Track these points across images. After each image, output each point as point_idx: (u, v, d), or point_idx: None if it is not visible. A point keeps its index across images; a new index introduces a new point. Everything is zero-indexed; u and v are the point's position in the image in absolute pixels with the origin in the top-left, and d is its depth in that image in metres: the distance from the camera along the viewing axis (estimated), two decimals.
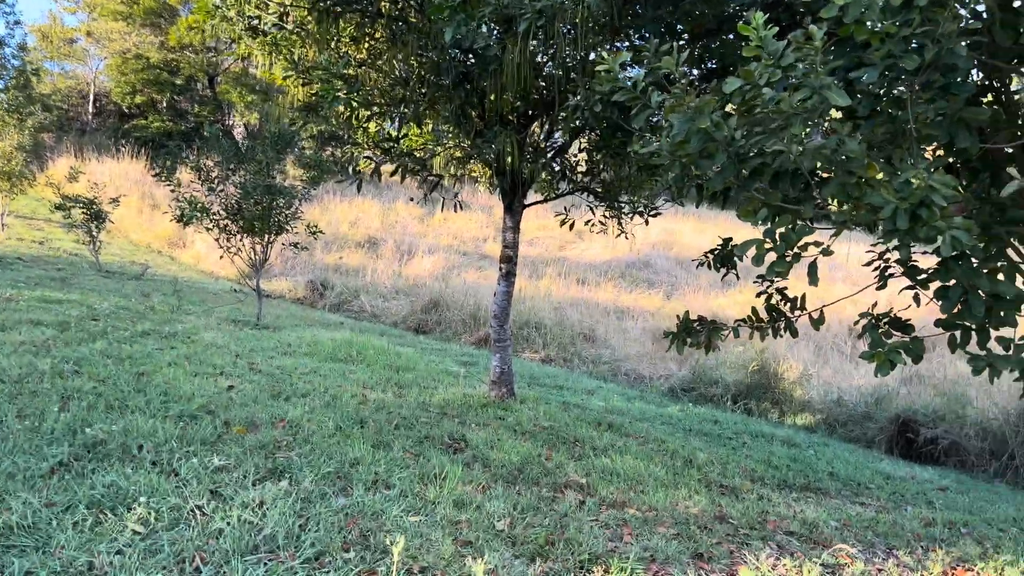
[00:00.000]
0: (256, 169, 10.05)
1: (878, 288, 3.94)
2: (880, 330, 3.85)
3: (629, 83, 3.19)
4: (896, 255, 3.92)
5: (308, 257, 19.47)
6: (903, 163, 3.01)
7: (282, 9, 6.15)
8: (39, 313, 8.34)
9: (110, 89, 34.23)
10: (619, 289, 22.86)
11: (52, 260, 14.40)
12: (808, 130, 2.72)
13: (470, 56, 5.41)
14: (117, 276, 13.65)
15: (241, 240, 10.51)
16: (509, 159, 5.45)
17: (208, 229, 10.27)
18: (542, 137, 6.67)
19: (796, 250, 3.07)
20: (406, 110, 6.12)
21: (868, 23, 2.76)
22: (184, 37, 31.11)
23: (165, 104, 34.78)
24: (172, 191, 10.21)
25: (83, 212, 13.65)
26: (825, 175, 3.20)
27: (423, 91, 5.84)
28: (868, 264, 3.90)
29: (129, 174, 25.90)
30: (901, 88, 3.00)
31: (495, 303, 7.30)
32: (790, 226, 3.08)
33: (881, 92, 3.06)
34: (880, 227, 3.03)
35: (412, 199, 7.83)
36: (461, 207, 7.10)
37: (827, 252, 3.09)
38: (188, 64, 32.85)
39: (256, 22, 6.39)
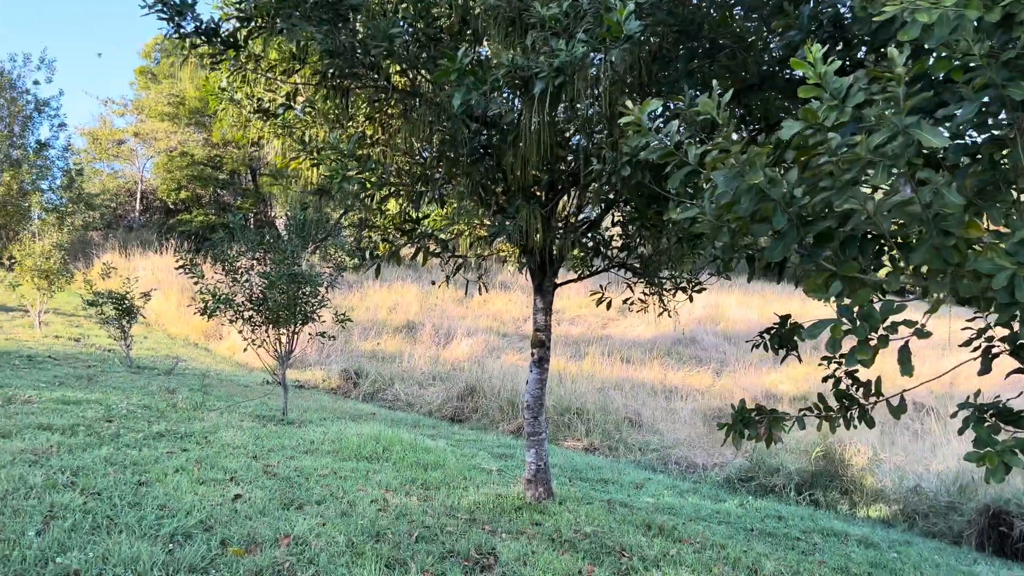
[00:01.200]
0: (280, 258, 9.72)
1: (980, 373, 3.24)
2: (986, 423, 3.14)
3: (661, 137, 2.64)
4: (1001, 331, 3.24)
5: (344, 344, 19.11)
6: (1010, 219, 2.39)
7: (291, 88, 5.84)
8: (51, 416, 7.95)
9: (156, 186, 35.20)
10: (665, 367, 22.04)
11: (84, 357, 14.22)
12: (892, 181, 2.12)
13: (486, 126, 4.97)
14: (147, 371, 13.36)
15: (266, 331, 10.12)
16: (537, 236, 4.92)
17: (232, 321, 9.90)
18: (571, 211, 6.16)
19: (883, 331, 2.44)
20: (424, 188, 5.66)
21: (957, 46, 2.19)
22: (228, 134, 31.98)
23: (209, 199, 35.57)
24: (196, 283, 9.91)
25: (115, 308, 13.49)
26: (904, 238, 2.59)
27: (440, 167, 5.41)
28: (968, 344, 3.20)
29: (171, 268, 26.15)
30: (1002, 127, 2.41)
31: (527, 392, 6.67)
32: (870, 301, 2.46)
33: (975, 132, 2.47)
34: (984, 299, 2.40)
35: (434, 282, 7.30)
36: (486, 289, 6.59)
37: (923, 334, 2.45)
38: (231, 159, 33.73)
39: (265, 104, 6.08)
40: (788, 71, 3.90)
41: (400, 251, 6.32)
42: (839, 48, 3.14)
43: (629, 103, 2.71)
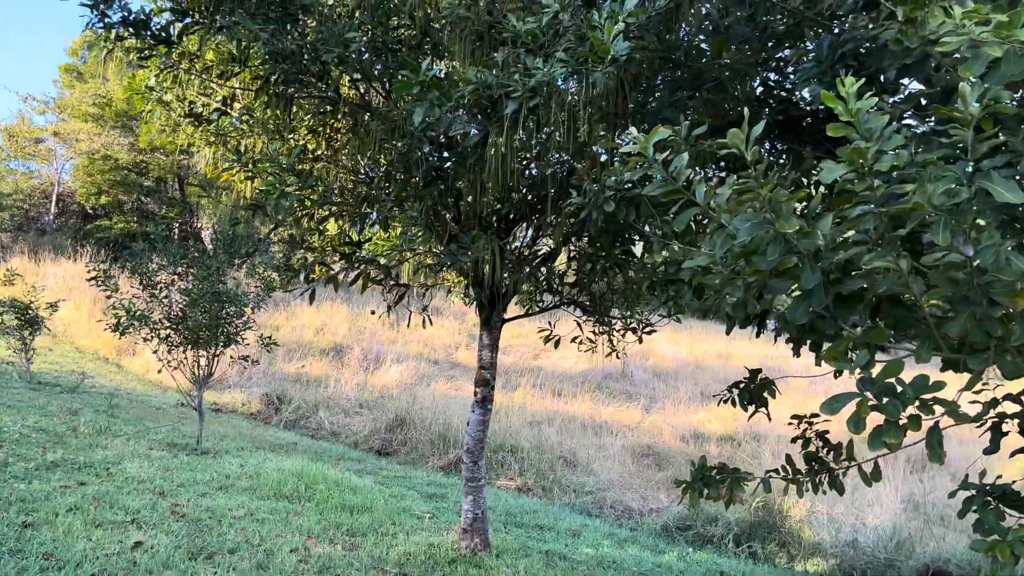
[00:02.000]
0: (204, 274, 9.05)
1: (987, 452, 2.97)
2: (990, 507, 2.86)
3: (667, 173, 2.27)
4: (1013, 406, 2.98)
5: (267, 366, 18.21)
6: None
7: (228, 93, 5.31)
8: None
9: (75, 189, 33.46)
10: (596, 402, 21.88)
11: None
12: (952, 240, 1.80)
13: (442, 148, 4.56)
14: (48, 388, 12.34)
15: (184, 352, 9.39)
16: (487, 268, 4.51)
17: (146, 339, 9.15)
18: (525, 243, 5.78)
19: (914, 410, 2.11)
20: (369, 211, 5.20)
21: None
22: (156, 139, 30.72)
23: (131, 205, 34.00)
24: (108, 296, 9.14)
25: (16, 317, 12.45)
26: (940, 304, 2.28)
27: (389, 189, 4.96)
28: (978, 422, 2.91)
29: (84, 276, 24.72)
30: None
31: (468, 434, 6.21)
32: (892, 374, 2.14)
33: None
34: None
35: (374, 311, 6.82)
36: (430, 322, 6.13)
37: (957, 414, 2.13)
38: (157, 165, 32.33)
39: (197, 108, 5.53)
40: (783, 108, 3.62)
41: (338, 275, 5.82)
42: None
43: (633, 129, 2.35)
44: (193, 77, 5.11)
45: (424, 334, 28.22)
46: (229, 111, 5.24)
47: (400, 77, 3.60)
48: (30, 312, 12.50)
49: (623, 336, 7.27)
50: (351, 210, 5.28)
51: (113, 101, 32.02)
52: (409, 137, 4.07)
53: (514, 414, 17.34)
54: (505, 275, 5.00)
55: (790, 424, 4.52)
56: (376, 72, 4.44)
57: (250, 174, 4.99)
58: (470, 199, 4.53)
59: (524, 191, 4.77)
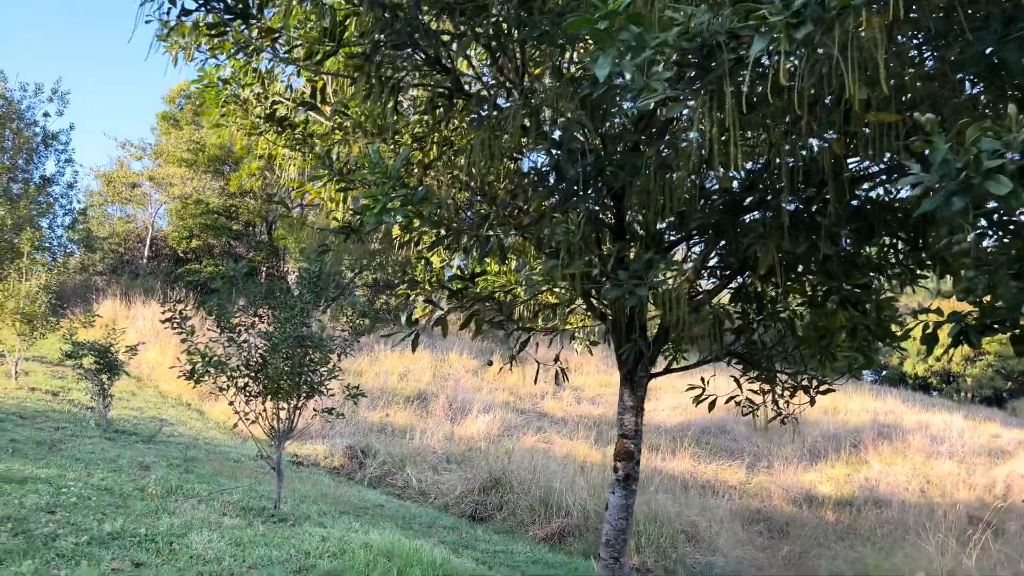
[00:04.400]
0: (287, 316, 8.03)
1: None
2: None
3: None
4: None
5: (351, 415, 17.28)
6: None
7: (317, 80, 4.22)
8: None
9: (167, 233, 33.92)
10: (696, 458, 20.26)
11: (56, 416, 12.44)
12: None
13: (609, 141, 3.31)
14: (124, 438, 11.56)
15: (263, 403, 8.36)
16: (670, 306, 3.20)
17: (222, 389, 8.16)
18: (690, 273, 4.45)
19: None
20: (493, 233, 3.99)
21: None
22: (246, 183, 30.87)
23: (220, 249, 34.22)
24: (183, 340, 8.21)
25: (95, 361, 11.77)
26: None
27: (520, 203, 3.74)
28: None
29: (159, 318, 24.66)
30: None
31: (608, 523, 4.85)
32: None
33: None
34: None
35: (491, 362, 5.62)
36: (565, 377, 4.86)
37: None
38: (246, 209, 32.51)
39: (281, 109, 4.46)
40: None
41: (447, 316, 4.61)
42: None
43: None
44: (272, 62, 4.04)
45: (509, 382, 27.09)
46: (319, 105, 4.15)
47: (565, 23, 2.37)
48: (109, 355, 11.80)
49: (791, 396, 5.83)
50: (471, 233, 4.06)
51: (206, 147, 32.45)
52: (568, 123, 2.84)
53: (602, 470, 16.00)
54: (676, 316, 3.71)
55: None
56: (515, 30, 3.25)
57: (344, 186, 3.85)
58: (644, 210, 3.25)
59: (727, 193, 3.48)
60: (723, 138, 2.64)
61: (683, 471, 18.76)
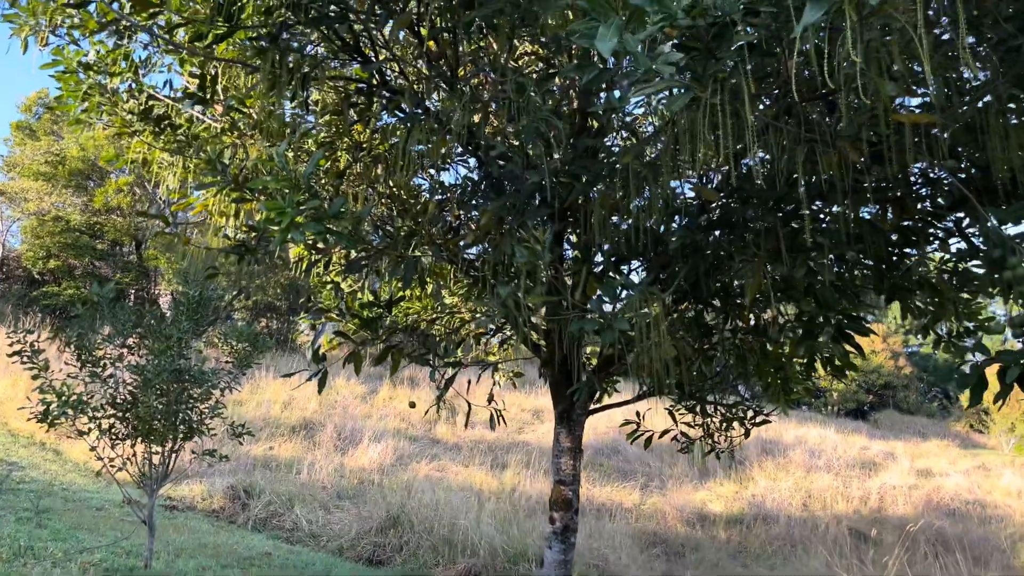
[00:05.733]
0: (163, 347, 7.07)
1: None
2: None
3: None
4: None
5: (231, 449, 15.99)
6: None
7: (206, 69, 3.48)
8: None
9: (21, 252, 31.05)
10: (591, 482, 20.13)
11: None
12: None
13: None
14: None
15: (133, 447, 7.33)
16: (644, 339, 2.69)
17: (83, 433, 7.08)
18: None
19: None
20: (420, 254, 3.38)
21: None
22: (112, 200, 28.72)
23: (83, 270, 31.61)
24: (34, 376, 7.08)
25: None
26: None
27: (463, 205, 3.15)
28: None
29: (6, 351, 22.33)
30: None
31: None
32: None
33: None
34: None
35: (413, 404, 4.99)
36: (503, 421, 4.29)
37: None
38: (113, 228, 30.20)
39: (160, 106, 3.69)
40: None
41: (361, 351, 3.95)
42: None
43: None
44: (150, 47, 3.29)
45: (399, 407, 26.19)
46: (208, 99, 3.41)
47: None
48: None
49: (725, 429, 5.47)
50: (391, 253, 3.42)
51: (67, 159, 30.00)
52: (537, 116, 2.29)
53: (506, 499, 15.52)
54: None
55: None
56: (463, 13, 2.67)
57: (240, 196, 3.14)
58: (609, 228, 2.73)
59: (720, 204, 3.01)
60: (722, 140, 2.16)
61: (580, 495, 18.38)
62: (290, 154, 3.49)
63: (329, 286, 4.32)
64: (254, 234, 3.78)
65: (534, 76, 3.13)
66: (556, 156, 2.86)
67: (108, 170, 30.14)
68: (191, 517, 11.72)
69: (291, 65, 3.05)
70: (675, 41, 2.04)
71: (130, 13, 3.11)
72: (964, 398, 39.24)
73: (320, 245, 3.46)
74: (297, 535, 11.47)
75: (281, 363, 26.68)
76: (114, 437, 7.22)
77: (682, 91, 1.97)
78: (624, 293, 2.70)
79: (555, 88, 3.29)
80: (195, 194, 3.95)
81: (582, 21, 1.82)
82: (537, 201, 2.78)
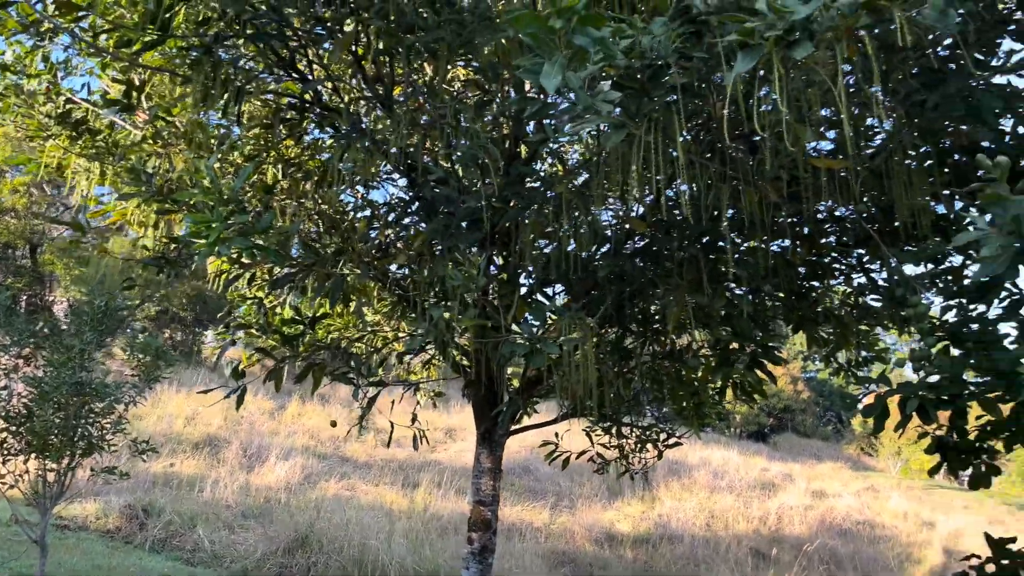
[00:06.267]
0: (62, 358, 6.75)
1: None
2: None
3: None
4: None
5: (129, 466, 15.30)
6: None
7: (131, 75, 3.39)
8: None
9: None
10: (503, 500, 20.04)
11: None
12: None
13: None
14: None
15: (25, 463, 6.95)
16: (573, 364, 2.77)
17: None
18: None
19: None
20: (348, 272, 3.39)
21: None
22: (7, 201, 27.20)
23: None
24: None
25: None
26: None
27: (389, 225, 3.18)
28: None
29: None
30: None
31: None
32: None
33: None
34: None
35: (334, 423, 4.91)
36: (425, 439, 4.29)
37: None
38: (7, 230, 28.55)
39: (79, 110, 3.58)
40: None
41: (282, 368, 3.90)
42: None
43: None
44: (71, 49, 3.19)
45: (308, 423, 25.62)
46: (136, 104, 3.31)
47: (512, 16, 1.88)
48: None
49: (638, 450, 5.62)
50: (319, 271, 3.41)
51: None
52: (475, 143, 2.35)
53: (417, 518, 15.42)
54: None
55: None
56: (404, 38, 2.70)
57: (165, 207, 3.08)
58: (538, 253, 2.81)
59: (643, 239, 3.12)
60: (648, 174, 2.27)
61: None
62: (217, 166, 3.42)
63: (249, 301, 4.24)
64: (174, 246, 3.69)
65: (469, 103, 3.19)
66: (489, 181, 2.93)
67: (3, 169, 28.59)
68: (84, 538, 11.13)
69: (225, 78, 3.02)
70: (612, 80, 2.14)
71: (54, 14, 3.01)
72: (856, 423, 41.21)
73: (245, 260, 3.41)
74: (199, 556, 11.04)
75: (185, 376, 25.71)
76: (6, 452, 6.84)
77: (617, 127, 2.07)
78: (553, 317, 2.78)
79: (488, 115, 3.35)
80: (112, 202, 3.83)
81: (527, 57, 1.89)
82: (468, 225, 2.84)
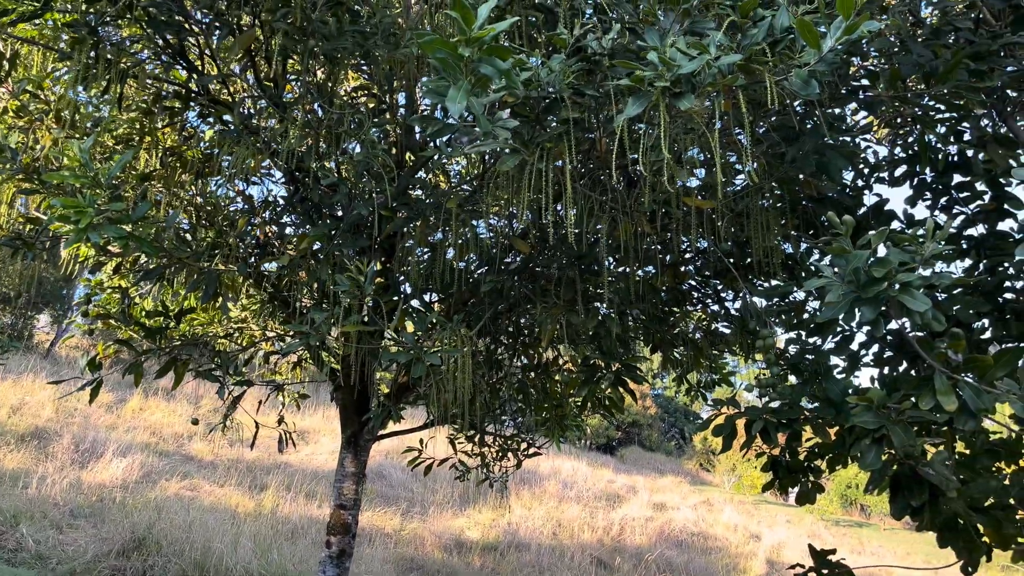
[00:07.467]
0: None
1: None
2: None
3: None
4: None
5: None
6: None
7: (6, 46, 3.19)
8: None
9: None
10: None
11: None
12: None
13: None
14: None
15: None
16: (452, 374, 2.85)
17: None
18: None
19: None
20: (223, 267, 3.34)
21: None
22: None
23: None
24: None
25: None
26: None
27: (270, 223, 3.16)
28: None
29: None
30: None
31: None
32: None
33: None
34: None
35: (196, 421, 4.77)
36: (291, 442, 4.24)
37: None
38: None
39: None
40: None
41: (142, 362, 3.78)
42: None
43: None
44: None
45: (151, 420, 24.26)
46: (3, 77, 3.10)
47: (422, 41, 1.96)
48: None
49: (500, 459, 5.78)
50: (191, 264, 3.33)
51: None
52: (371, 146, 2.40)
53: (265, 521, 14.97)
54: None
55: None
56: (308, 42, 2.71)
57: (31, 187, 2.91)
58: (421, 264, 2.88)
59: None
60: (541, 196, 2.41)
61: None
62: (95, 148, 3.27)
63: (110, 290, 4.04)
64: (31, 227, 3.48)
65: (363, 110, 3.22)
66: (380, 191, 2.97)
67: None
68: None
69: (109, 59, 2.89)
70: (510, 108, 2.26)
71: None
72: (697, 439, 43.51)
73: (114, 248, 3.27)
74: (21, 556, 10.22)
75: (13, 363, 23.71)
76: None
77: (513, 152, 2.19)
78: (436, 327, 2.87)
79: (384, 123, 3.40)
80: None
81: (434, 79, 1.97)
82: (353, 231, 2.87)
